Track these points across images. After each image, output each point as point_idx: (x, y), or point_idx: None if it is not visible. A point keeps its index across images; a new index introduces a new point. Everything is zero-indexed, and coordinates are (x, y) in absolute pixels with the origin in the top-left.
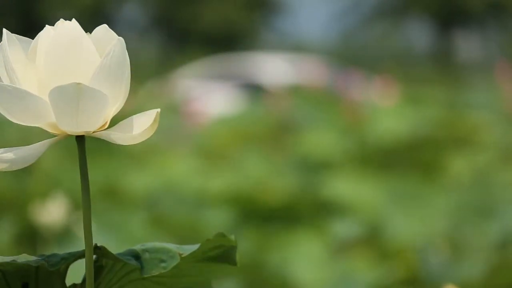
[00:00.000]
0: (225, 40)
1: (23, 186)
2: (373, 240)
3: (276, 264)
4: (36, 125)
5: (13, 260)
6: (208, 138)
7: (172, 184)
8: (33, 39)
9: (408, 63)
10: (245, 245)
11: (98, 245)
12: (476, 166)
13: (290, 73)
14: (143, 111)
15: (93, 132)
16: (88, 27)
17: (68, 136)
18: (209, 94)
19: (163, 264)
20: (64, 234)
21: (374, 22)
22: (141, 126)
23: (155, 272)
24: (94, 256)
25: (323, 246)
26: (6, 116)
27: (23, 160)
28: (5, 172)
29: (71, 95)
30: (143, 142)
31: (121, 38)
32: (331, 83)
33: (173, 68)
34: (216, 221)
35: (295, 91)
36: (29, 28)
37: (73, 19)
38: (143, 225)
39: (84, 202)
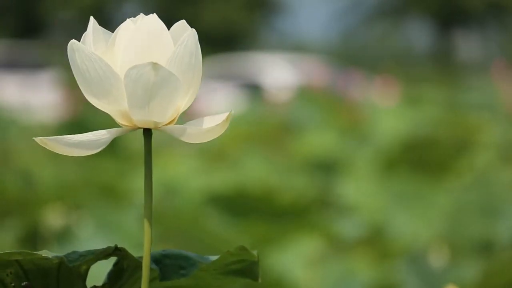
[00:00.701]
0: (225, 40)
1: (25, 188)
2: (375, 240)
3: (277, 263)
4: (107, 111)
5: (34, 254)
6: None
7: (173, 184)
8: (33, 39)
9: (408, 63)
10: (247, 244)
11: (118, 246)
12: (477, 166)
13: (290, 73)
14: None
15: (161, 126)
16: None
17: (136, 129)
18: (209, 94)
19: (182, 271)
20: (65, 235)
21: (374, 22)
22: (211, 124)
23: (175, 278)
24: (115, 258)
25: (325, 246)
26: (83, 91)
27: (89, 145)
28: (8, 175)
29: (147, 75)
30: (143, 142)
31: (194, 29)
32: (331, 83)
33: None
34: (217, 220)
35: (295, 91)
36: (29, 28)
37: (155, 14)
38: (143, 226)
39: (146, 199)
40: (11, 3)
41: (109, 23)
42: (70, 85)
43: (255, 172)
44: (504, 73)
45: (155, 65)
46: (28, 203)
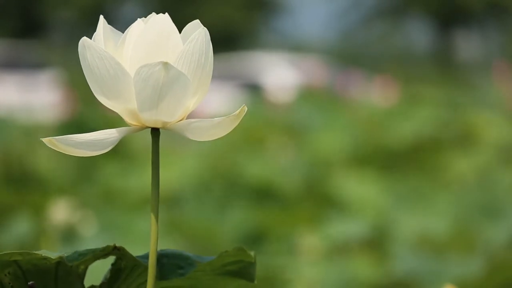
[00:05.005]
0: (225, 40)
1: (26, 188)
2: (376, 240)
3: (278, 261)
4: (116, 110)
5: (34, 253)
6: None
7: (173, 185)
8: (33, 39)
9: (408, 63)
10: (247, 243)
11: (117, 245)
12: (478, 165)
13: (290, 73)
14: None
15: (170, 124)
16: (88, 27)
17: (144, 128)
18: (209, 94)
19: (180, 271)
20: (69, 235)
21: (374, 22)
22: (221, 120)
23: (172, 277)
24: (113, 258)
25: (326, 245)
26: (92, 90)
27: (97, 145)
28: (8, 175)
29: (157, 74)
30: (143, 142)
31: (205, 28)
32: (331, 83)
33: None
34: (218, 220)
35: (295, 91)
36: (29, 28)
37: (166, 14)
38: (144, 226)
39: (153, 200)
40: (11, 3)
41: (109, 23)
42: (70, 85)
43: (256, 171)
44: (504, 73)
45: (165, 65)
46: (30, 204)
